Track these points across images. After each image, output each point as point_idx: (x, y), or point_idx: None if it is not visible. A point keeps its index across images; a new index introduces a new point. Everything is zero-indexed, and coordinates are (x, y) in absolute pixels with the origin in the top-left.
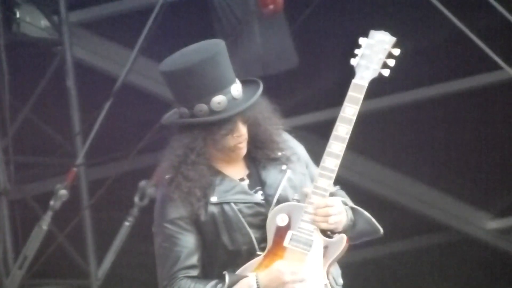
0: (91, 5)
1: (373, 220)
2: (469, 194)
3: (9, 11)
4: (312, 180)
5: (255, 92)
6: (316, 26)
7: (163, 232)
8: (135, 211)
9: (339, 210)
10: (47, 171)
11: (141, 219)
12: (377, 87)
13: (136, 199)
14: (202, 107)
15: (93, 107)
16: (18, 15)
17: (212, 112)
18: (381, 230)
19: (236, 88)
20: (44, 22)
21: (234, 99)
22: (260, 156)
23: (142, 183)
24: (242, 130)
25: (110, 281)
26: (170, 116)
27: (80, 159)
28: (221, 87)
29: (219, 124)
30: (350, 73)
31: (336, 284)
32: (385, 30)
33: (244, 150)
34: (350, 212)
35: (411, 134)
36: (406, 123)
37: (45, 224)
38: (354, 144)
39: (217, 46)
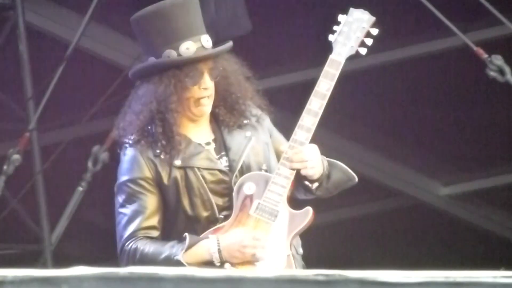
0: None
1: (347, 168)
2: (421, 163)
3: None
4: (275, 149)
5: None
6: None
7: (125, 191)
8: (88, 176)
9: (316, 155)
10: (0, 136)
11: (93, 184)
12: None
13: (89, 164)
14: (170, 52)
15: (45, 73)
16: None
17: (180, 57)
18: (356, 178)
19: (206, 39)
20: None
21: (203, 47)
22: (228, 120)
23: (95, 148)
24: (209, 83)
25: (63, 246)
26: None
27: (32, 124)
28: (191, 34)
29: (186, 71)
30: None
31: (297, 253)
32: None
33: (207, 109)
34: (325, 162)
35: (364, 103)
36: (358, 91)
37: None
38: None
39: None
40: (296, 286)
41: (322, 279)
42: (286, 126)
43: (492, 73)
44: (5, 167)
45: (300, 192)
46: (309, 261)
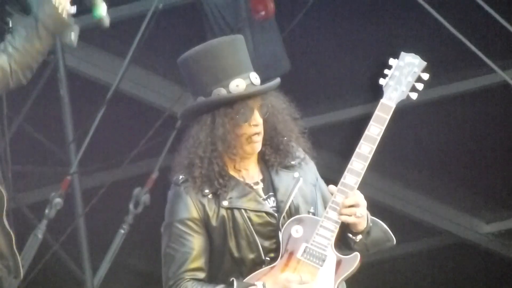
0: (83, 14)
1: (387, 228)
2: (463, 201)
3: (1, 20)
4: (322, 193)
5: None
6: (308, 31)
7: (172, 231)
8: (129, 218)
9: (364, 204)
10: (42, 180)
11: (135, 226)
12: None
13: (131, 206)
14: (220, 90)
15: (86, 116)
16: (10, 25)
17: (230, 94)
18: (394, 240)
19: (255, 76)
20: None
21: (253, 84)
22: (273, 160)
23: (136, 190)
24: (259, 119)
25: None
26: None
27: (74, 168)
28: (240, 72)
29: (237, 108)
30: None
31: None
32: (377, 31)
33: (259, 145)
34: (369, 217)
35: (406, 142)
36: (401, 130)
37: (40, 233)
38: (351, 153)
39: (235, 36)
40: None
41: None
42: (327, 166)
43: None
44: (46, 210)
45: (338, 247)
46: None
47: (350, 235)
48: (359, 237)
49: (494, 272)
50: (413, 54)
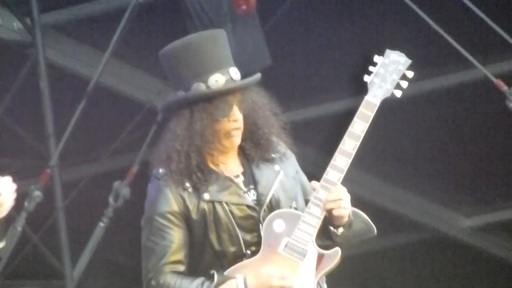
0: (63, 7)
1: (368, 219)
2: (443, 195)
3: None
4: (302, 186)
5: (253, 77)
6: (289, 26)
7: (152, 225)
8: (109, 211)
9: (347, 197)
10: (21, 173)
11: (115, 220)
12: (355, 88)
13: (111, 199)
14: (199, 85)
15: (66, 109)
16: None
17: (209, 89)
18: (375, 230)
19: (235, 71)
20: (16, 24)
21: (232, 80)
22: (254, 154)
23: (116, 183)
24: (238, 115)
25: (85, 282)
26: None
27: (53, 161)
28: (219, 67)
29: (216, 104)
30: (326, 69)
31: None
32: (357, 25)
33: (238, 140)
34: (351, 209)
35: (385, 137)
36: (380, 126)
37: (19, 225)
38: (334, 148)
39: (216, 30)
40: None
41: None
42: (309, 160)
43: None
44: (26, 203)
45: (320, 238)
46: None
47: (332, 228)
48: (341, 229)
49: (473, 265)
50: (398, 52)
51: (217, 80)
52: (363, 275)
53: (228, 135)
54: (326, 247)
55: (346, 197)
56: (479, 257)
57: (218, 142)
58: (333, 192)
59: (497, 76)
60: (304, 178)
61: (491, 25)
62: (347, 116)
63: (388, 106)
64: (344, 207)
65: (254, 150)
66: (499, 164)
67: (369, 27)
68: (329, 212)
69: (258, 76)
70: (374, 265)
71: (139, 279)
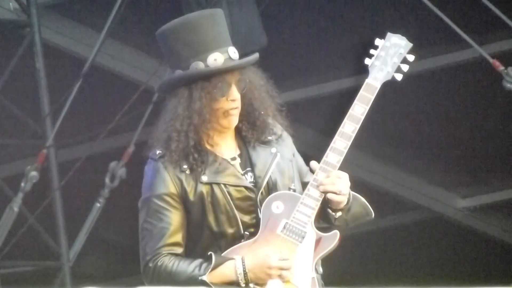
0: None
1: (366, 203)
2: (439, 176)
3: None
4: (298, 169)
5: (251, 56)
6: (285, 5)
7: (150, 207)
8: (105, 192)
9: (347, 183)
10: (17, 153)
11: (111, 200)
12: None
13: (107, 180)
14: (198, 64)
15: (62, 89)
16: None
17: (208, 68)
18: (373, 214)
19: (233, 50)
20: (12, 4)
21: (231, 59)
22: (250, 136)
23: (113, 164)
24: (236, 94)
25: (81, 263)
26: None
27: (50, 141)
28: (218, 46)
29: (214, 82)
30: (323, 52)
31: (317, 273)
32: (355, 5)
33: (235, 119)
34: (351, 194)
35: (381, 117)
36: (376, 106)
37: (15, 206)
38: (331, 129)
39: (215, 10)
40: None
41: None
42: (307, 141)
43: (509, 85)
44: (22, 184)
45: (319, 220)
46: (328, 274)
47: (330, 211)
48: (339, 213)
49: (469, 246)
50: (399, 35)
51: (216, 59)
52: (359, 255)
53: (226, 114)
54: (324, 229)
55: (345, 184)
56: (475, 237)
57: (216, 121)
58: (330, 177)
59: (493, 56)
60: (300, 160)
61: (488, 5)
62: (345, 97)
63: (385, 87)
64: (343, 193)
65: (250, 132)
66: (495, 145)
67: (364, 5)
68: (327, 196)
69: (256, 55)
70: (370, 245)
71: (135, 259)
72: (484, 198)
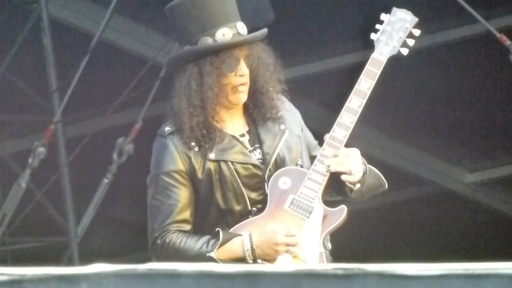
0: None
1: (380, 174)
2: (446, 151)
3: None
4: (307, 143)
5: (260, 31)
6: None
7: (158, 183)
8: (113, 168)
9: (357, 160)
10: (25, 129)
11: (119, 176)
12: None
13: (114, 156)
14: (206, 39)
15: (69, 65)
16: None
17: (216, 43)
18: (386, 184)
19: (242, 25)
20: None
21: (239, 34)
22: (258, 112)
23: (120, 140)
24: (245, 70)
25: (89, 239)
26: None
27: (57, 117)
28: (226, 21)
29: (223, 58)
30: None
31: (326, 249)
32: None
33: (244, 96)
34: (366, 166)
35: (389, 92)
36: (383, 81)
37: (23, 182)
38: (338, 105)
39: None
40: (315, 281)
41: (341, 273)
42: (314, 116)
43: None
44: (30, 160)
45: (331, 193)
46: (336, 249)
47: (348, 184)
48: (358, 185)
49: (477, 220)
50: (405, 10)
51: (224, 34)
52: (367, 231)
53: (235, 89)
54: (331, 204)
55: (356, 161)
56: (482, 211)
57: (224, 97)
58: (339, 157)
59: (500, 31)
60: (309, 134)
61: None
62: (351, 72)
63: (391, 61)
64: (353, 172)
65: (258, 109)
66: (502, 119)
67: None
68: (336, 172)
69: (264, 31)
70: (378, 220)
71: (143, 235)
72: (492, 173)
